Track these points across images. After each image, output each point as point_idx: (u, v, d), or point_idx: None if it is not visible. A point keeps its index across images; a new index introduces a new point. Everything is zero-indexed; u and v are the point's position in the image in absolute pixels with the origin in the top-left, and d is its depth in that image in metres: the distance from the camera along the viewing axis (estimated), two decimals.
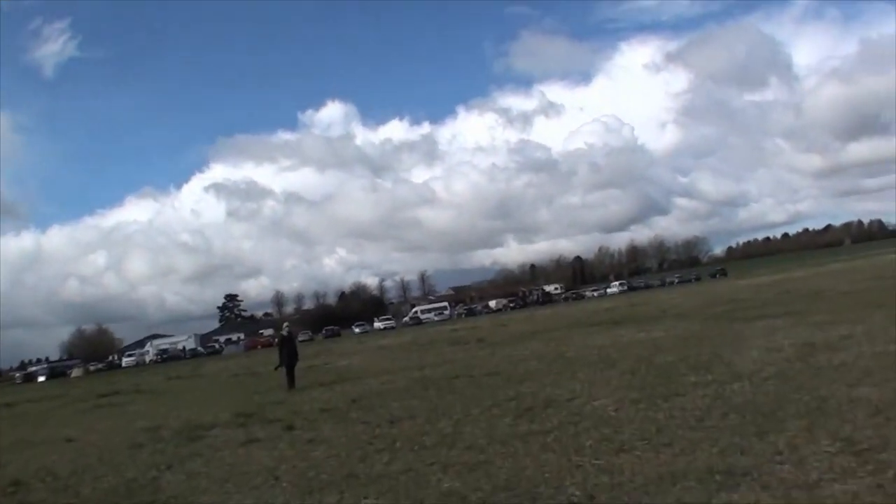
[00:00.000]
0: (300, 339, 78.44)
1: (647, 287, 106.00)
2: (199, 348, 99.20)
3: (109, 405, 24.20)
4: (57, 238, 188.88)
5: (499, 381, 15.07)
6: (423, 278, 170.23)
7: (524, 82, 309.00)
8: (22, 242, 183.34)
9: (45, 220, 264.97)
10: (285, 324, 24.60)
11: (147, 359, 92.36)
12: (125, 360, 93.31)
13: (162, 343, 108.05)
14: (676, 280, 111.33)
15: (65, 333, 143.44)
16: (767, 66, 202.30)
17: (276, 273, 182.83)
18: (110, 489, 9.35)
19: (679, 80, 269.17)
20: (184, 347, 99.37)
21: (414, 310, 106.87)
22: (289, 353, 20.71)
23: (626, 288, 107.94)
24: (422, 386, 16.19)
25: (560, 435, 8.76)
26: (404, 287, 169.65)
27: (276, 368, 21.52)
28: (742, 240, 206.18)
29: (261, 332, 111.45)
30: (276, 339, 23.34)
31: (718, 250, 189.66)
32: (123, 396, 27.95)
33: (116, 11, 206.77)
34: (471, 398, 12.95)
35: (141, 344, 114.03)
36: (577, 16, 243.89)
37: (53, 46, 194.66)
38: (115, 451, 12.59)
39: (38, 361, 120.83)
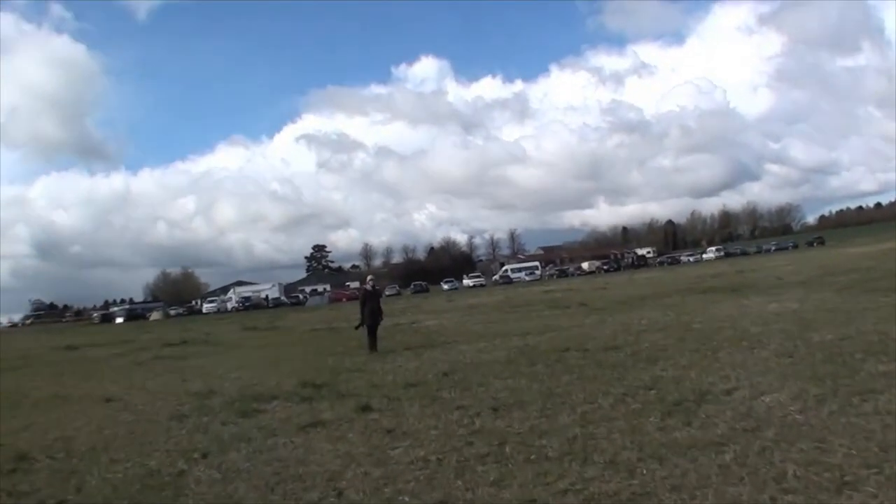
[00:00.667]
0: (387, 293, 77.61)
1: (744, 254, 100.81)
2: (283, 298, 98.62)
3: (171, 357, 22.49)
4: (147, 181, 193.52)
5: (622, 357, 12.45)
6: (512, 236, 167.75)
7: (617, 41, 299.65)
8: (112, 184, 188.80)
9: (136, 162, 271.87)
10: (369, 277, 22.01)
11: (229, 306, 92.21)
12: (206, 306, 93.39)
13: (245, 290, 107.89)
14: (773, 247, 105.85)
15: (151, 275, 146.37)
16: (860, 30, 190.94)
17: (366, 226, 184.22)
18: (121, 483, 7.13)
19: (772, 43, 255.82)
20: (266, 296, 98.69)
21: (504, 268, 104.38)
22: (372, 311, 18.31)
23: (722, 254, 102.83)
24: (527, 359, 13.53)
25: (742, 451, 6.20)
26: (493, 245, 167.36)
27: (357, 327, 19.03)
28: (834, 208, 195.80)
29: (347, 284, 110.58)
30: (360, 294, 20.37)
31: (811, 219, 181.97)
32: (190, 347, 26.48)
33: None
34: (593, 381, 10.45)
35: (225, 290, 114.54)
36: None
37: None
38: (151, 421, 10.53)
39: (122, 302, 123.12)
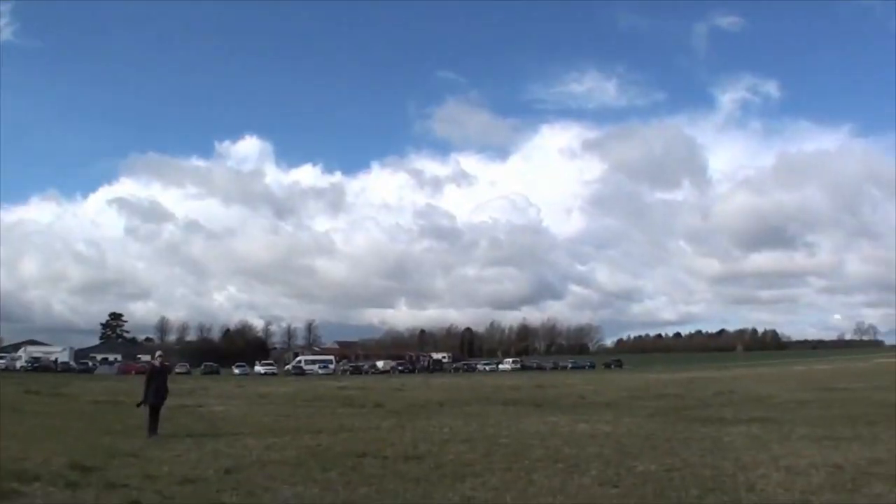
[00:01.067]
0: (177, 370, 73.58)
1: (540, 368, 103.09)
2: (72, 363, 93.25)
3: None
4: None
5: (426, 470, 11.04)
6: (310, 328, 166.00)
7: (442, 148, 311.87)
8: None
9: None
10: (158, 352, 20.14)
11: (18, 364, 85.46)
12: None
13: (36, 351, 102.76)
14: (570, 365, 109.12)
15: None
16: (683, 166, 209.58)
17: (165, 299, 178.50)
18: None
19: (593, 168, 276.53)
20: (56, 359, 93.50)
21: (298, 359, 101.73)
22: (157, 389, 16.84)
23: (518, 366, 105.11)
24: (320, 463, 11.83)
25: None
26: (290, 333, 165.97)
27: (139, 404, 17.26)
28: (633, 333, 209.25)
29: (138, 356, 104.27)
30: (147, 369, 18.46)
31: (609, 341, 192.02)
32: None
33: (54, 6, 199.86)
34: (395, 497, 9.06)
35: (16, 348, 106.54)
36: (506, 92, 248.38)
37: None
38: None
39: None
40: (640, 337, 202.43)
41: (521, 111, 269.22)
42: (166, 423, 17.20)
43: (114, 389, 38.57)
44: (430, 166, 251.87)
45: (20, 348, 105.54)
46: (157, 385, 16.86)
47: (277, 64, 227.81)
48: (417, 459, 12.27)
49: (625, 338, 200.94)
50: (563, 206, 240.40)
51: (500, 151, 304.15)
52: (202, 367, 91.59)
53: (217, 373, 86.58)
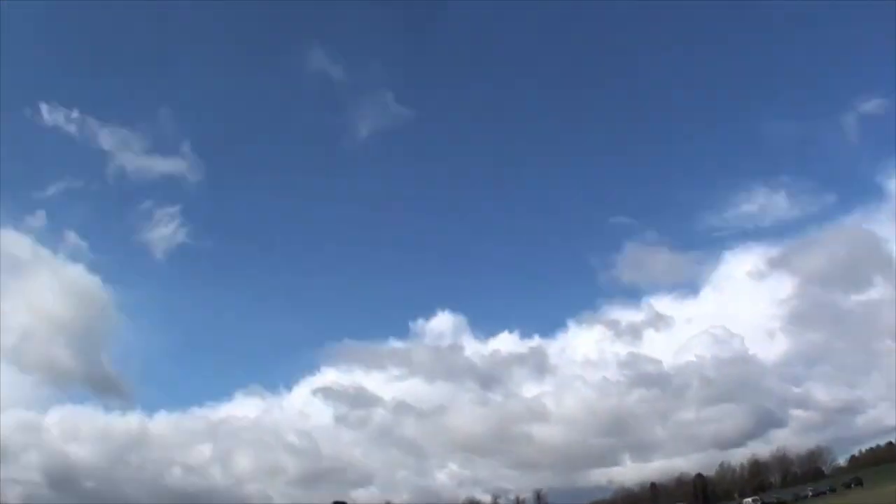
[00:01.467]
0: None
1: (782, 503, 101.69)
2: None
3: None
4: (164, 424, 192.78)
5: None
6: (538, 496, 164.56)
7: (632, 294, 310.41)
8: (128, 423, 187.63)
9: (153, 404, 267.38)
10: None
11: None
12: None
13: None
14: (810, 493, 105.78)
15: None
16: (870, 263, 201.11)
17: (387, 483, 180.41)
18: None
19: (784, 285, 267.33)
20: None
21: None
22: None
23: None
24: None
25: None
26: None
27: None
28: (864, 447, 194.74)
29: None
30: None
31: (842, 460, 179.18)
32: None
33: (225, 205, 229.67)
34: None
35: None
36: (680, 226, 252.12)
37: (164, 230, 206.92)
38: None
39: None
40: (871, 448, 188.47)
41: (700, 243, 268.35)
42: None
43: None
44: (625, 314, 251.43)
45: None
46: None
47: (461, 237, 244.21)
48: None
49: (857, 453, 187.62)
50: (764, 330, 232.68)
51: (689, 286, 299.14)
52: None
53: None
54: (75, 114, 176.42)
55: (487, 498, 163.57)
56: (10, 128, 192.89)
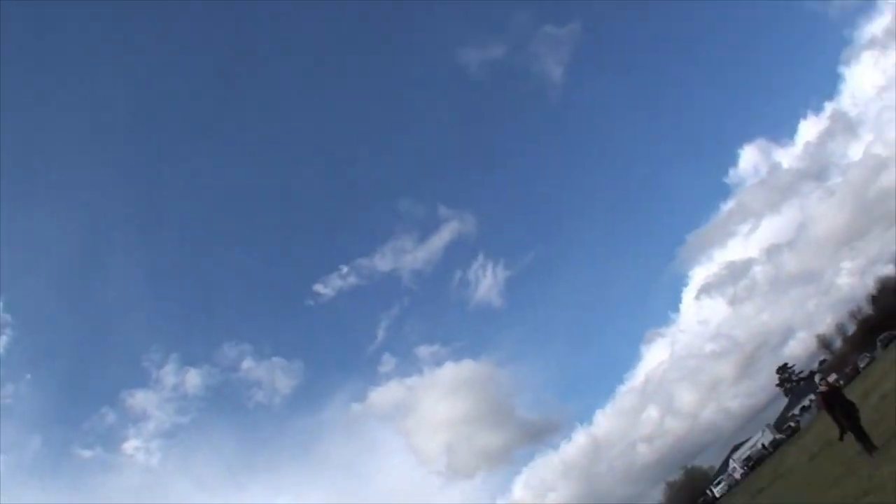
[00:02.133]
0: (861, 364, 67.04)
1: None
2: (777, 436, 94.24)
3: None
4: (604, 421, 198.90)
5: None
6: None
7: (867, 5, 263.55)
8: (577, 442, 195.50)
9: (584, 413, 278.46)
10: (819, 377, 18.67)
11: (736, 475, 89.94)
12: (717, 490, 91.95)
13: (741, 452, 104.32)
14: None
15: (658, 493, 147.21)
16: None
17: (807, 322, 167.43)
18: None
19: None
20: (762, 444, 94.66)
21: None
22: (844, 411, 15.90)
23: None
24: None
25: None
26: None
27: (840, 438, 16.16)
28: None
29: (819, 384, 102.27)
30: (818, 400, 18.16)
31: None
32: None
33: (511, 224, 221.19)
34: None
35: (725, 465, 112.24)
36: None
37: (486, 282, 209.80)
38: None
39: None
40: None
41: None
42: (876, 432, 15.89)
43: (818, 433, 34.34)
44: None
45: (728, 462, 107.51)
46: (841, 407, 15.87)
47: None
48: None
49: None
50: None
51: None
52: (878, 344, 77.40)
53: (894, 339, 71.92)
54: (344, 269, 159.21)
55: (891, 267, 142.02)
56: (307, 324, 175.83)
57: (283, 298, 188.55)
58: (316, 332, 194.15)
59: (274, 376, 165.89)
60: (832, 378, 16.55)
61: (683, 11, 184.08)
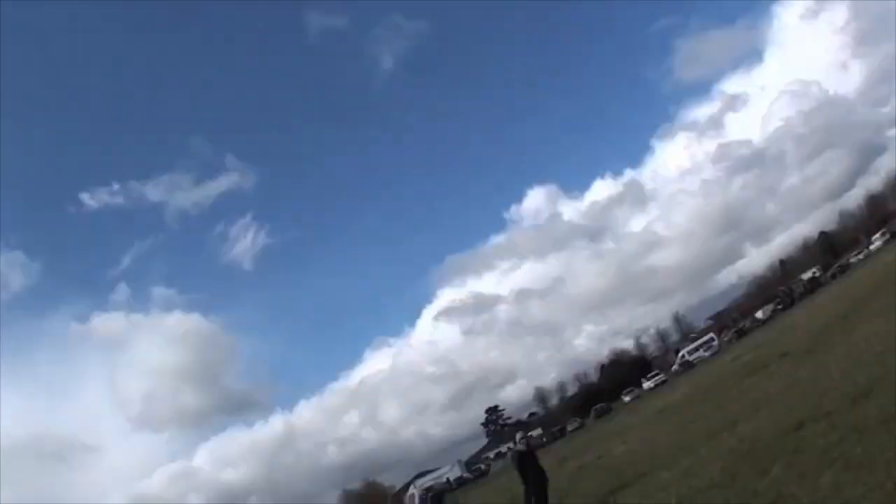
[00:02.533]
0: (570, 428, 71.91)
1: None
2: (465, 474, 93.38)
3: None
4: (306, 412, 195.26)
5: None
6: (676, 319, 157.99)
7: (700, 89, 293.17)
8: (273, 427, 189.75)
9: (289, 399, 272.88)
10: (519, 434, 17.56)
11: (417, 501, 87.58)
12: None
13: (425, 481, 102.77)
14: None
15: (333, 498, 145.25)
16: None
17: (531, 370, 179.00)
18: None
19: (839, 13, 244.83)
20: (447, 479, 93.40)
21: (680, 354, 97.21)
22: (534, 476, 14.86)
23: (887, 236, 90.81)
24: (751, 465, 9.25)
25: None
26: (662, 337, 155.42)
27: (527, 502, 15.11)
28: None
29: (518, 441, 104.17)
30: (513, 459, 16.40)
31: None
32: None
33: (287, 191, 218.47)
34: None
35: (406, 487, 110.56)
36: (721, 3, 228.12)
37: (245, 242, 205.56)
38: None
39: None
40: None
41: (743, 10, 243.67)
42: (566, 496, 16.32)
43: (507, 485, 34.08)
44: (701, 111, 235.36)
45: (410, 486, 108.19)
46: (533, 472, 14.90)
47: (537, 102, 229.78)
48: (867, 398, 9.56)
49: None
50: (836, 65, 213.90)
51: (753, 54, 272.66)
52: (591, 413, 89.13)
53: (609, 411, 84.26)
54: (115, 186, 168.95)
55: (629, 342, 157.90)
56: (61, 229, 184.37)
57: (47, 198, 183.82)
58: (65, 240, 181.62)
59: (9, 268, 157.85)
60: (536, 433, 13.90)
61: (536, 45, 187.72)
